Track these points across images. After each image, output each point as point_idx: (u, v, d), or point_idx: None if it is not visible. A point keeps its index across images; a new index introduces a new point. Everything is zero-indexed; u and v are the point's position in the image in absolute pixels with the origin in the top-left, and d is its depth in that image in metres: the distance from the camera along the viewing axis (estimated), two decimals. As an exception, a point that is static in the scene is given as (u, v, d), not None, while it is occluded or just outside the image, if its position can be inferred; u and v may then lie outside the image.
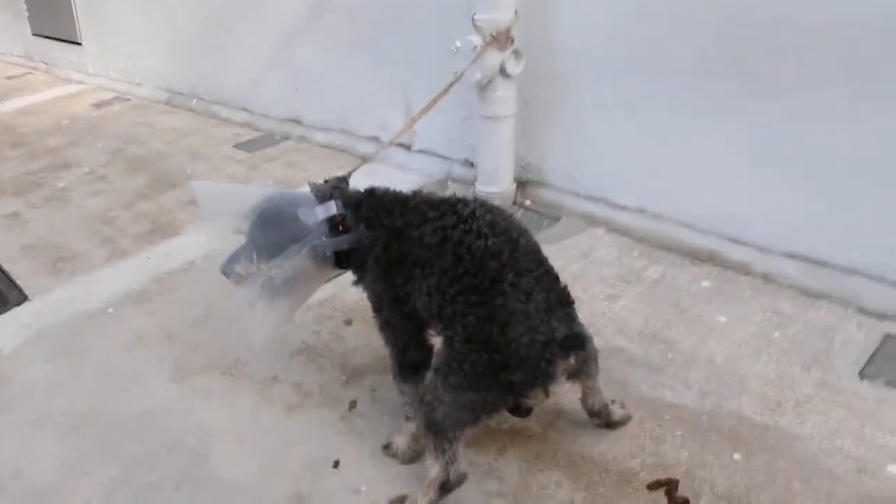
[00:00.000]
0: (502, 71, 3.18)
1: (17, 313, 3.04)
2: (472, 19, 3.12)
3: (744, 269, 2.81)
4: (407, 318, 1.98)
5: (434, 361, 1.86)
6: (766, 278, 2.75)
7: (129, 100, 6.10)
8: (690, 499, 1.91)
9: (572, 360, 1.77)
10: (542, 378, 1.72)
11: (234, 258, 2.13)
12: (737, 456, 2.02)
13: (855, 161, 2.52)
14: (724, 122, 2.80)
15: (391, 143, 2.68)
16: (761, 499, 1.89)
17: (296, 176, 4.13)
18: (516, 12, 3.13)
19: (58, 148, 4.98)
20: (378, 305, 2.06)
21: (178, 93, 5.76)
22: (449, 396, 1.78)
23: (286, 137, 4.77)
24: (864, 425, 2.08)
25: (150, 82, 6.04)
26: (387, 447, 2.15)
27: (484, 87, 3.25)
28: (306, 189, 2.18)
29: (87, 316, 2.97)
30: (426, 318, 1.90)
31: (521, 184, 3.55)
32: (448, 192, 3.28)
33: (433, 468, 1.85)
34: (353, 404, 2.37)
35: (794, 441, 2.05)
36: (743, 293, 2.71)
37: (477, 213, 1.87)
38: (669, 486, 1.96)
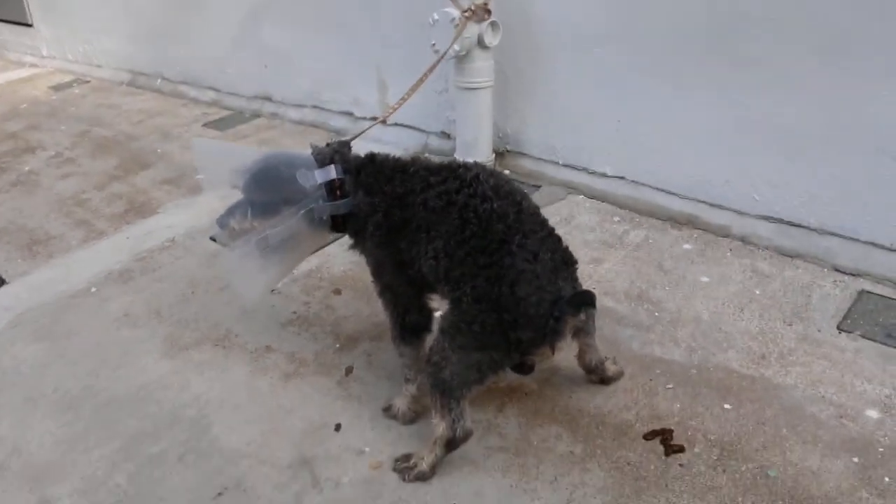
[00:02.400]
0: (480, 42, 3.20)
1: (-4, 296, 3.00)
2: (450, -8, 3.15)
3: (723, 232, 2.91)
4: (408, 283, 2.01)
5: (441, 323, 1.89)
6: (745, 240, 2.85)
7: (88, 81, 5.95)
8: (685, 446, 2.00)
9: (582, 317, 1.83)
10: (551, 335, 1.76)
11: (229, 213, 2.13)
12: (727, 406, 2.11)
13: (826, 129, 2.61)
14: (702, 92, 2.87)
15: (384, 121, 2.69)
16: (752, 444, 1.98)
17: (271, 153, 4.11)
18: (494, -16, 3.16)
19: (19, 132, 4.84)
20: (378, 271, 2.08)
21: (142, 73, 5.64)
22: (456, 356, 1.81)
23: (257, 115, 4.72)
24: (844, 374, 2.19)
25: (110, 64, 5.90)
26: (387, 409, 2.19)
27: (462, 59, 3.27)
28: (307, 151, 2.17)
29: (69, 297, 2.93)
30: (432, 282, 1.93)
31: (500, 154, 3.60)
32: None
33: (439, 426, 1.89)
34: (349, 370, 2.40)
35: (779, 391, 2.15)
36: (724, 254, 2.81)
37: (480, 176, 1.89)
38: (664, 435, 2.04)
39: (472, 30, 3.16)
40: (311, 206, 2.04)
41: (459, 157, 3.54)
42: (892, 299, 2.47)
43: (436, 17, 3.18)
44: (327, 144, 2.19)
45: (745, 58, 2.71)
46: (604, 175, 3.28)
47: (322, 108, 4.41)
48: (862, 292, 2.52)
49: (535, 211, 1.92)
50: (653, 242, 2.92)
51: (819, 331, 2.37)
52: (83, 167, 4.17)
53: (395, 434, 2.13)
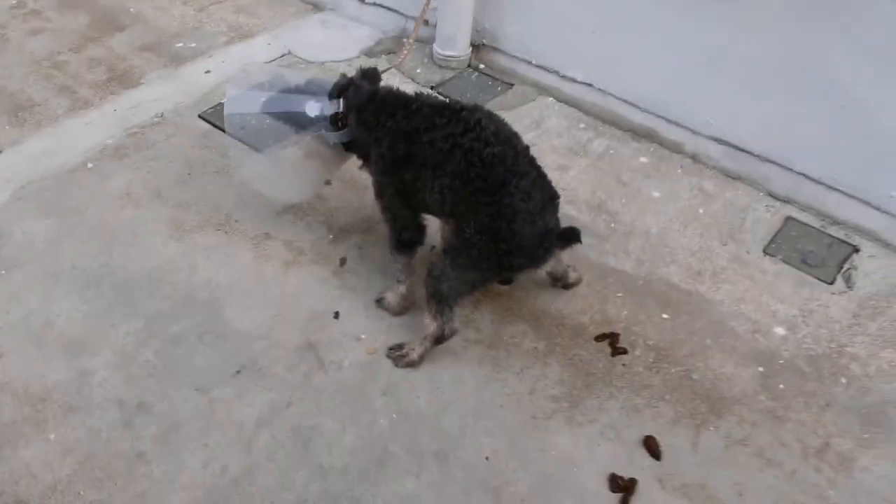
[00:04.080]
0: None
1: (-7, 165, 3.11)
2: None
3: (676, 148, 3.22)
4: (407, 206, 2.30)
5: (443, 244, 2.20)
6: (695, 158, 3.18)
7: None
8: (628, 348, 2.43)
9: (567, 249, 2.17)
10: (538, 261, 2.12)
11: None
12: (665, 315, 2.54)
13: (784, 68, 2.85)
14: (676, 16, 3.03)
15: (412, 42, 2.86)
16: (682, 351, 2.44)
17: (248, 23, 4.09)
18: None
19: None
20: (381, 193, 2.35)
21: None
22: (455, 273, 2.15)
23: (227, -24, 4.61)
24: (762, 294, 2.63)
25: None
26: (379, 301, 2.54)
27: (451, -45, 3.33)
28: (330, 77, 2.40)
29: (68, 171, 3.07)
30: (435, 211, 2.22)
31: (476, 47, 3.73)
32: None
33: (431, 325, 2.26)
34: (343, 261, 2.72)
35: (709, 305, 2.59)
36: (675, 171, 3.14)
37: (483, 121, 2.13)
38: (612, 338, 2.47)
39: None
40: (317, 133, 2.28)
41: (439, 49, 3.69)
42: (812, 227, 2.89)
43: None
44: (359, 70, 2.36)
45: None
46: (573, 80, 3.48)
47: (300, -24, 4.36)
48: (788, 218, 2.92)
49: (526, 153, 2.18)
50: (614, 153, 3.22)
51: (748, 252, 2.78)
52: (52, 22, 4.09)
53: (387, 324, 2.50)
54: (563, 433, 2.21)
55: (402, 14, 3.97)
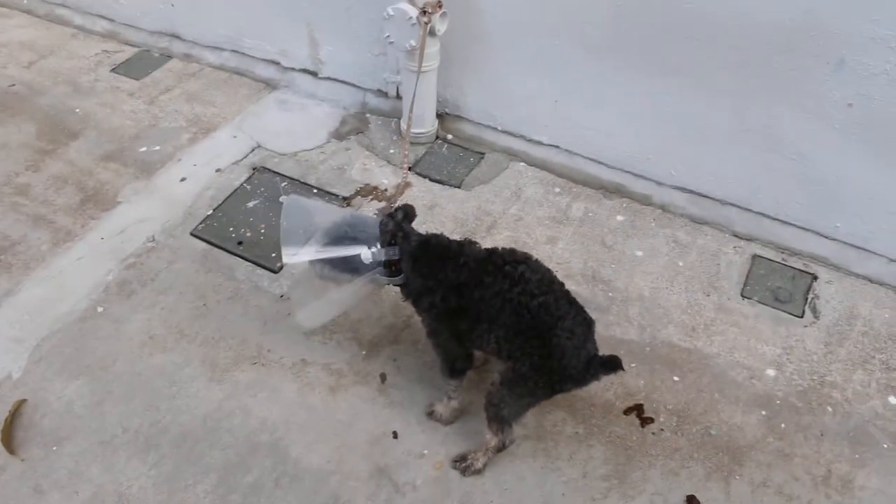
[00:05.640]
0: (431, 32, 3.39)
1: (-4, 325, 3.08)
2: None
3: (646, 201, 3.56)
4: (459, 345, 2.53)
5: (501, 377, 2.45)
6: (664, 209, 3.53)
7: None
8: (653, 416, 2.79)
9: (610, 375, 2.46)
10: (585, 384, 2.42)
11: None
12: (675, 378, 2.91)
13: (732, 126, 3.21)
14: (631, 85, 3.33)
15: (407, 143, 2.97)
16: (697, 409, 2.82)
17: (204, 113, 4.08)
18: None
19: None
20: (434, 333, 2.57)
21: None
22: (513, 400, 2.43)
23: (167, 55, 4.52)
24: (749, 339, 3.04)
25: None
26: (430, 414, 2.78)
27: (413, 48, 3.45)
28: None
29: (79, 319, 3.09)
30: (492, 354, 2.48)
31: (440, 116, 3.91)
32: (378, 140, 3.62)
33: (493, 439, 2.54)
34: (383, 377, 2.92)
35: (709, 360, 2.97)
36: (650, 225, 3.49)
37: (525, 274, 2.37)
38: (638, 410, 2.82)
39: (424, 22, 3.33)
40: (372, 278, 2.46)
41: (405, 126, 3.82)
42: (776, 262, 3.31)
43: (391, 12, 3.30)
44: (389, 215, 2.52)
45: (673, 67, 3.18)
46: (540, 143, 3.74)
47: (245, 54, 4.33)
48: (755, 256, 3.34)
49: (563, 292, 2.43)
50: (593, 216, 3.53)
51: (729, 299, 3.18)
52: (-4, 137, 3.94)
53: (442, 434, 2.74)
54: (620, 510, 2.57)
55: (358, 87, 4.07)
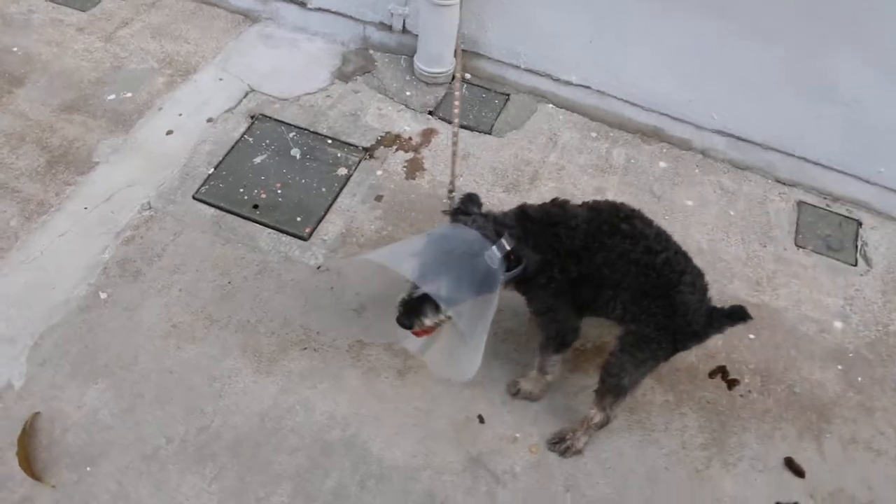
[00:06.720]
0: (464, -41, 2.98)
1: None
2: None
3: (686, 145, 3.38)
4: (576, 315, 2.29)
5: (620, 343, 2.26)
6: (705, 153, 3.37)
7: None
8: (738, 378, 2.70)
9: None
10: (706, 339, 2.28)
11: (411, 310, 2.09)
12: (751, 336, 2.81)
13: (781, 73, 3.05)
14: (675, 26, 3.08)
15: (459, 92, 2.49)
16: (778, 367, 2.74)
17: (178, 51, 3.47)
18: None
19: None
20: (549, 310, 2.30)
21: None
22: (634, 366, 2.26)
23: (115, -20, 3.78)
24: (812, 291, 2.97)
25: None
26: (516, 393, 2.55)
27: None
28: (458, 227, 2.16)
29: (79, 310, 2.59)
30: (615, 320, 2.26)
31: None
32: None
33: (597, 415, 2.37)
34: (453, 355, 2.64)
35: (778, 314, 2.89)
36: (693, 171, 3.32)
37: (644, 231, 2.17)
38: (722, 372, 2.71)
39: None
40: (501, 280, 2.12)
41: (424, 66, 3.45)
42: (821, 209, 3.25)
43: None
44: (457, 208, 2.18)
45: (720, 3, 2.96)
46: (568, 83, 3.44)
47: (213, -21, 3.70)
48: (800, 203, 3.26)
49: (677, 247, 2.25)
50: (635, 163, 3.31)
51: (785, 249, 3.09)
52: (-86, 84, 3.18)
53: (532, 413, 2.53)
54: (725, 478, 2.46)
55: (356, 20, 3.58)
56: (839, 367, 2.78)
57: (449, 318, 2.10)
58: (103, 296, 2.63)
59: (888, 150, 3.12)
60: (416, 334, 2.21)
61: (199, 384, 2.46)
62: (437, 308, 2.07)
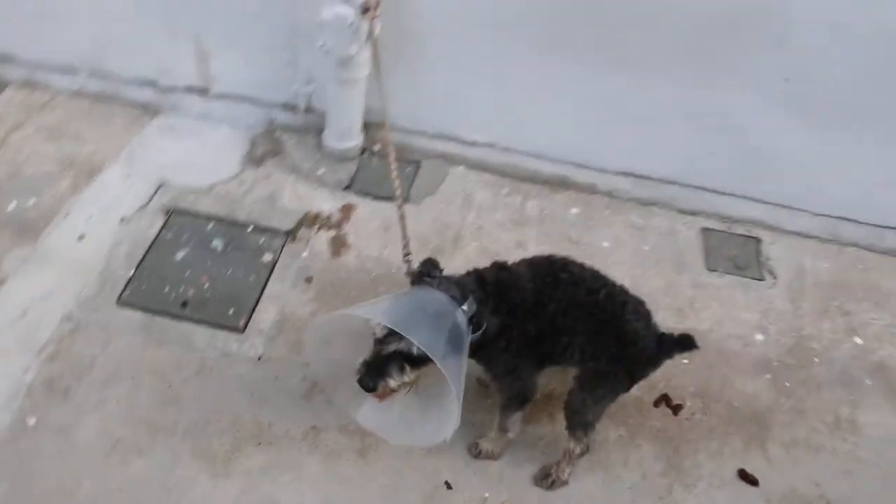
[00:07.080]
0: (368, 36, 3.07)
1: None
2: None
3: (592, 189, 3.57)
4: (534, 372, 2.35)
5: (578, 382, 2.35)
6: (611, 195, 3.57)
7: None
8: (681, 402, 2.83)
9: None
10: (659, 365, 2.40)
11: (374, 371, 2.05)
12: (685, 360, 2.95)
13: (675, 111, 3.30)
14: (569, 77, 3.28)
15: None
16: (714, 386, 2.89)
17: (78, 153, 3.34)
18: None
19: None
20: (512, 370, 2.34)
21: None
22: (594, 402, 2.37)
23: (2, 83, 3.61)
24: (731, 310, 3.17)
25: None
26: (477, 454, 2.57)
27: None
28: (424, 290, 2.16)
29: (6, 441, 2.41)
30: (573, 364, 2.33)
31: (366, 126, 3.57)
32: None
33: (577, 446, 2.46)
34: (408, 425, 2.63)
35: (705, 336, 3.04)
36: (603, 214, 3.50)
37: (581, 274, 2.30)
38: (666, 399, 2.83)
39: (365, 27, 3.00)
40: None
41: (335, 142, 3.47)
42: (723, 232, 3.49)
43: (325, 17, 2.91)
44: (420, 271, 2.21)
45: (617, 59, 3.19)
46: (474, 143, 3.58)
47: (108, 76, 3.59)
48: (703, 229, 3.50)
49: (613, 281, 2.37)
50: (549, 213, 3.46)
51: (699, 274, 3.30)
52: None
53: (496, 470, 2.55)
54: (688, 500, 2.55)
55: (260, 103, 3.58)
56: (767, 375, 2.97)
57: (415, 379, 2.08)
58: (31, 421, 2.46)
59: (772, 170, 3.41)
60: (379, 397, 2.16)
61: (154, 498, 2.33)
62: (401, 369, 2.03)
